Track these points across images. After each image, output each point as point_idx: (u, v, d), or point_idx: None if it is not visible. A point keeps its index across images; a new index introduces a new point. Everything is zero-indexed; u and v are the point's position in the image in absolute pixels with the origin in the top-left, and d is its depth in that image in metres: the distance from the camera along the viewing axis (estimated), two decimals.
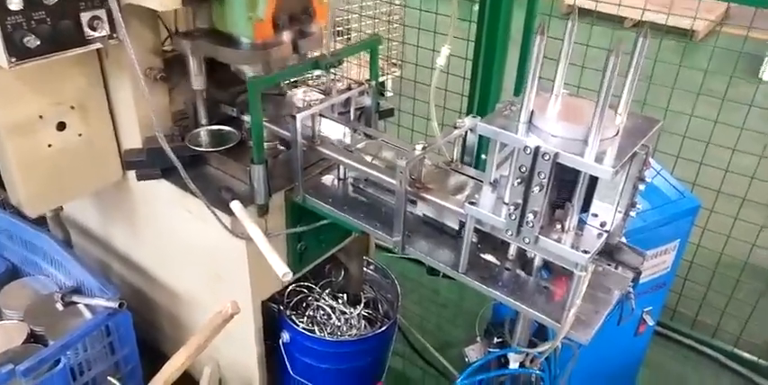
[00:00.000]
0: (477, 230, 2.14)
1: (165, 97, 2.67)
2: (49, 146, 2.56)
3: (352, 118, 2.64)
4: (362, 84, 2.52)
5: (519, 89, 3.45)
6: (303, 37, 2.46)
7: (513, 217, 1.80)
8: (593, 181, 1.77)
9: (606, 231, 1.85)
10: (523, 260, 2.14)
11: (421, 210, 2.33)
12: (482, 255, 2.18)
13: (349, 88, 2.49)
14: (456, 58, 3.16)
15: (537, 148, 1.65)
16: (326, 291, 3.16)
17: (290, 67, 2.41)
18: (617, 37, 2.09)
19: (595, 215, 1.88)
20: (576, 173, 1.71)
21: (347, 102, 2.66)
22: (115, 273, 3.50)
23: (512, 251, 2.14)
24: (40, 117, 2.48)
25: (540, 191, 1.70)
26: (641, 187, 1.77)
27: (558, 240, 1.78)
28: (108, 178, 2.84)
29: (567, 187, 1.78)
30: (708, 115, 3.49)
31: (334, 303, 3.10)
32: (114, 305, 2.77)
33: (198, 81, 2.53)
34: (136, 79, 2.51)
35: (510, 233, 1.83)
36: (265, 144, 2.58)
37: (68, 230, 3.61)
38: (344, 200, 2.48)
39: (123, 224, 3.19)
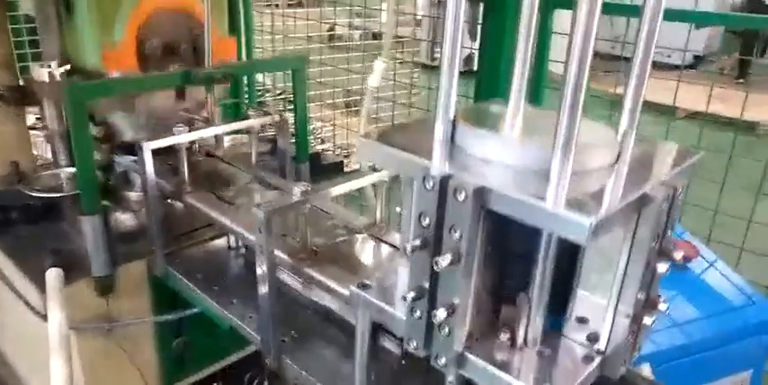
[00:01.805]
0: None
1: (14, 126, 1.98)
2: None
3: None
4: (269, 114, 1.76)
5: None
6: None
7: (417, 313, 0.95)
8: (572, 252, 0.92)
9: (599, 352, 0.96)
10: None
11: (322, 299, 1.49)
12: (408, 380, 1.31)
13: (244, 118, 1.74)
14: None
15: (446, 179, 0.83)
16: None
17: (147, 78, 1.67)
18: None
19: (582, 320, 1.01)
20: (534, 236, 0.87)
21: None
22: None
23: (451, 377, 1.26)
24: None
25: (453, 264, 0.86)
26: (662, 270, 0.90)
27: (503, 364, 0.91)
28: None
29: (519, 264, 0.93)
30: None
31: None
32: None
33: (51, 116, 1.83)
34: None
35: (413, 344, 0.98)
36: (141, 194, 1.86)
37: None
38: (222, 276, 1.68)
39: None
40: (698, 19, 2.18)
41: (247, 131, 1.81)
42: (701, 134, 2.55)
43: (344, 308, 1.37)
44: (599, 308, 0.95)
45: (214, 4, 1.66)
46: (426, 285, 0.92)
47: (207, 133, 1.68)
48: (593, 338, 0.97)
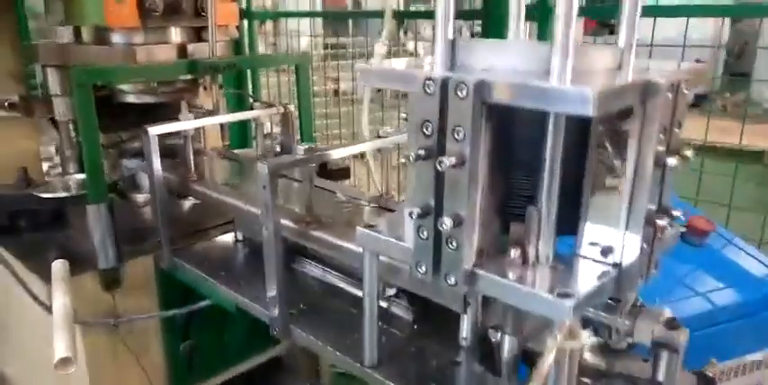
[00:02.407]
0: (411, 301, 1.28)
1: (22, 138, 2.01)
2: None
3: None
4: (272, 105, 1.79)
5: None
6: (198, 39, 1.81)
7: (423, 234, 0.92)
8: (580, 155, 0.90)
9: (615, 265, 0.92)
10: (485, 348, 1.19)
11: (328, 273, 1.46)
12: (418, 344, 1.25)
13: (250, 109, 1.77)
14: None
15: (446, 80, 0.83)
16: None
17: (144, 65, 1.71)
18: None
19: (594, 238, 0.97)
20: (538, 135, 0.86)
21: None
22: None
23: (464, 333, 1.21)
24: None
25: (458, 167, 0.84)
26: (672, 163, 0.87)
27: (515, 279, 0.88)
28: None
29: (525, 172, 0.91)
30: None
31: None
32: None
33: (61, 106, 1.87)
34: None
35: (422, 268, 0.94)
36: (148, 195, 1.87)
37: None
38: (228, 264, 1.65)
39: None
40: (695, 11, 2.18)
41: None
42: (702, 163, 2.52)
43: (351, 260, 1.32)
44: (612, 219, 0.92)
45: None
46: (432, 202, 0.91)
47: (212, 121, 1.70)
48: (607, 251, 0.93)
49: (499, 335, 1.14)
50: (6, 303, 1.98)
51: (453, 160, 0.83)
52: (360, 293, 1.35)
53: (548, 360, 0.82)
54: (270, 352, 2.10)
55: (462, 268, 0.90)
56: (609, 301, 1.08)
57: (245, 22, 2.94)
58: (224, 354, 1.98)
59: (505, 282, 0.87)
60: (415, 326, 1.31)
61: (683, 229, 2.33)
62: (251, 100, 2.03)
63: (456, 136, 0.84)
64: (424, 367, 1.17)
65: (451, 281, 0.91)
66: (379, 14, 2.21)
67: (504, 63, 0.88)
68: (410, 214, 0.91)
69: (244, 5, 2.90)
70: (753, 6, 3.81)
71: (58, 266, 1.55)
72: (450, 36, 0.91)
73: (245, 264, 1.67)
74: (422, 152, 0.88)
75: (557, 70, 0.76)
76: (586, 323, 1.09)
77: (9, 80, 1.94)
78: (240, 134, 2.75)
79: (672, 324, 1.07)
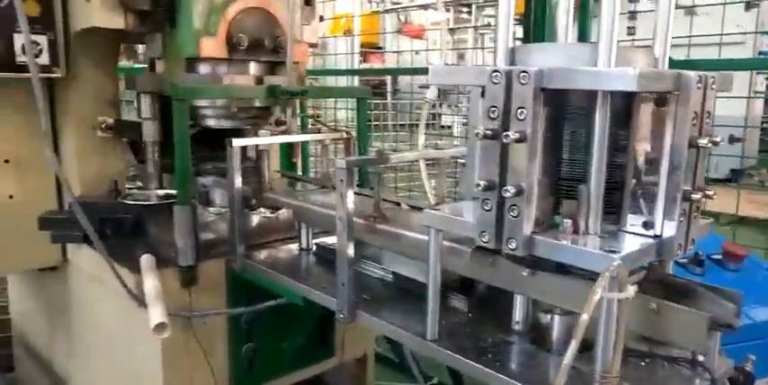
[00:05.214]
0: (467, 289, 1.41)
1: (114, 155, 2.25)
2: None
3: None
4: (338, 131, 2.00)
5: None
6: (272, 73, 2.06)
7: (488, 205, 1.07)
8: (623, 143, 1.06)
9: (655, 236, 1.06)
10: (536, 332, 1.31)
11: (388, 265, 1.61)
12: (473, 328, 1.37)
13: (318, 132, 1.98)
14: None
15: (510, 72, 1.02)
16: None
17: (231, 87, 1.96)
18: None
19: (638, 214, 1.11)
20: (589, 119, 1.03)
21: None
22: None
23: (518, 317, 1.33)
24: None
25: (522, 143, 1.01)
26: (703, 143, 1.01)
27: (571, 243, 1.02)
28: (42, 259, 2.31)
29: (576, 151, 1.07)
30: None
31: None
32: None
33: (149, 129, 2.11)
34: (79, 128, 2.18)
35: (486, 237, 1.09)
36: (220, 209, 2.06)
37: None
38: (295, 267, 1.81)
39: (64, 334, 2.55)
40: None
41: None
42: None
43: (417, 253, 1.46)
44: (653, 198, 1.07)
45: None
46: (495, 177, 1.06)
47: (286, 140, 1.91)
48: (648, 225, 1.07)
49: (549, 317, 1.27)
50: (94, 299, 2.17)
51: (517, 135, 1.00)
52: (417, 289, 1.51)
53: (590, 305, 0.94)
54: (323, 364, 2.21)
55: (523, 234, 1.04)
56: None
57: None
58: (280, 362, 2.10)
59: (561, 243, 1.01)
60: (470, 315, 1.43)
61: (720, 256, 2.42)
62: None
63: (519, 116, 1.01)
64: (480, 343, 1.28)
65: (512, 245, 1.06)
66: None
67: (553, 62, 1.06)
68: (477, 185, 1.07)
69: None
70: None
71: (146, 259, 1.74)
72: (510, 43, 1.11)
73: (309, 268, 1.83)
74: (489, 132, 1.05)
75: (604, 59, 0.94)
76: None
77: (107, 106, 2.20)
78: (287, 157, 2.95)
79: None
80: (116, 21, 1.93)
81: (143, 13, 1.96)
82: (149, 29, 2.02)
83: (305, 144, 2.57)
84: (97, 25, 1.91)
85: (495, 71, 1.03)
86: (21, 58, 1.97)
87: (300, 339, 2.09)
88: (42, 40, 2.00)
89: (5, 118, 2.14)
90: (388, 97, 7.80)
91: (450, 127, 7.87)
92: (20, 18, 1.66)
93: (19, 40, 1.95)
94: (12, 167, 2.19)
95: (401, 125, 6.63)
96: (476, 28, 10.17)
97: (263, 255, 1.93)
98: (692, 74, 0.98)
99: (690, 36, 2.90)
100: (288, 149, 2.42)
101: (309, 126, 2.62)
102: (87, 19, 1.93)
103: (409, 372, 3.19)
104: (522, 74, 0.99)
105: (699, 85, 1.00)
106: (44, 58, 2.01)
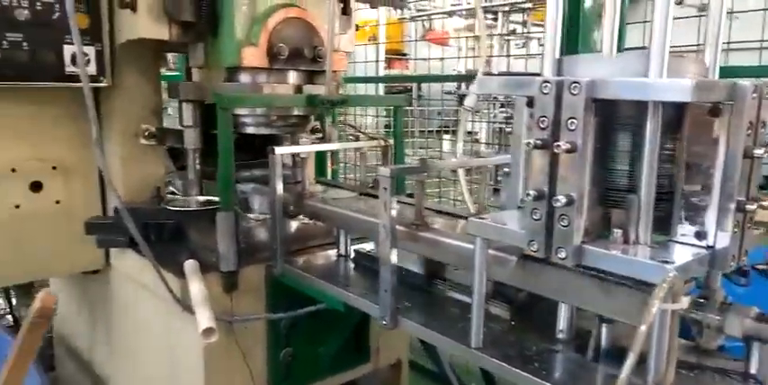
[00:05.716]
0: (508, 300, 1.42)
1: (156, 162, 2.30)
2: (17, 207, 2.19)
3: None
4: (376, 138, 2.02)
5: None
6: (311, 82, 2.09)
7: (537, 214, 1.08)
8: (672, 148, 1.05)
9: (708, 247, 1.05)
10: (580, 341, 1.30)
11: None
12: (517, 336, 1.38)
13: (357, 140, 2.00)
14: None
15: (561, 82, 1.02)
16: None
17: (274, 95, 1.99)
18: None
19: (690, 221, 1.10)
20: (639, 129, 1.03)
21: None
22: None
23: (562, 325, 1.33)
24: (13, 170, 2.16)
25: (573, 153, 1.01)
26: (759, 153, 1.01)
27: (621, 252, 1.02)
28: (86, 262, 2.36)
29: (625, 162, 1.07)
30: None
31: None
32: None
33: (190, 136, 2.16)
34: (124, 135, 2.23)
35: (535, 246, 1.09)
36: (259, 215, 2.10)
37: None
38: (334, 272, 1.83)
39: (105, 336, 2.61)
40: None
41: None
42: None
43: (459, 261, 1.47)
44: (705, 208, 1.06)
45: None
46: (545, 187, 1.07)
47: (326, 147, 1.94)
48: (701, 235, 1.06)
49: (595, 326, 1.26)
50: (136, 302, 2.22)
51: (568, 146, 1.01)
52: (459, 297, 1.52)
53: (649, 316, 0.94)
54: (358, 369, 2.23)
55: (572, 243, 1.05)
56: (698, 299, 1.19)
57: None
58: (316, 367, 2.12)
59: (612, 253, 1.02)
60: (513, 323, 1.44)
61: (764, 266, 2.39)
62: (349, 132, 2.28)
63: (569, 127, 1.02)
64: (525, 352, 1.29)
65: (562, 255, 1.06)
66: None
67: (601, 72, 1.06)
68: (527, 195, 1.08)
69: None
70: None
71: (191, 264, 1.77)
72: (557, 53, 1.12)
73: (348, 273, 1.85)
74: (539, 142, 1.05)
75: (655, 67, 0.94)
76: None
77: (150, 113, 2.25)
78: (320, 165, 2.99)
79: (762, 317, 1.17)
80: (161, 32, 1.98)
81: (186, 23, 2.01)
82: (192, 39, 2.06)
83: (337, 151, 2.61)
84: (143, 36, 1.96)
85: (546, 82, 1.04)
86: (69, 69, 2.03)
87: (337, 344, 2.11)
88: (90, 50, 2.06)
89: (54, 126, 2.20)
90: (413, 104, 7.82)
91: (473, 133, 7.85)
92: (73, 30, 1.72)
93: (68, 51, 2.01)
94: (59, 174, 2.25)
95: (428, 131, 6.63)
96: (501, 35, 10.16)
97: (301, 260, 1.95)
98: (747, 84, 0.98)
99: (729, 42, 2.86)
100: (322, 156, 2.45)
101: (345, 134, 2.66)
102: (134, 30, 1.98)
103: (443, 379, 3.19)
104: (574, 85, 1.00)
105: (754, 94, 0.99)
106: (91, 68, 2.06)
